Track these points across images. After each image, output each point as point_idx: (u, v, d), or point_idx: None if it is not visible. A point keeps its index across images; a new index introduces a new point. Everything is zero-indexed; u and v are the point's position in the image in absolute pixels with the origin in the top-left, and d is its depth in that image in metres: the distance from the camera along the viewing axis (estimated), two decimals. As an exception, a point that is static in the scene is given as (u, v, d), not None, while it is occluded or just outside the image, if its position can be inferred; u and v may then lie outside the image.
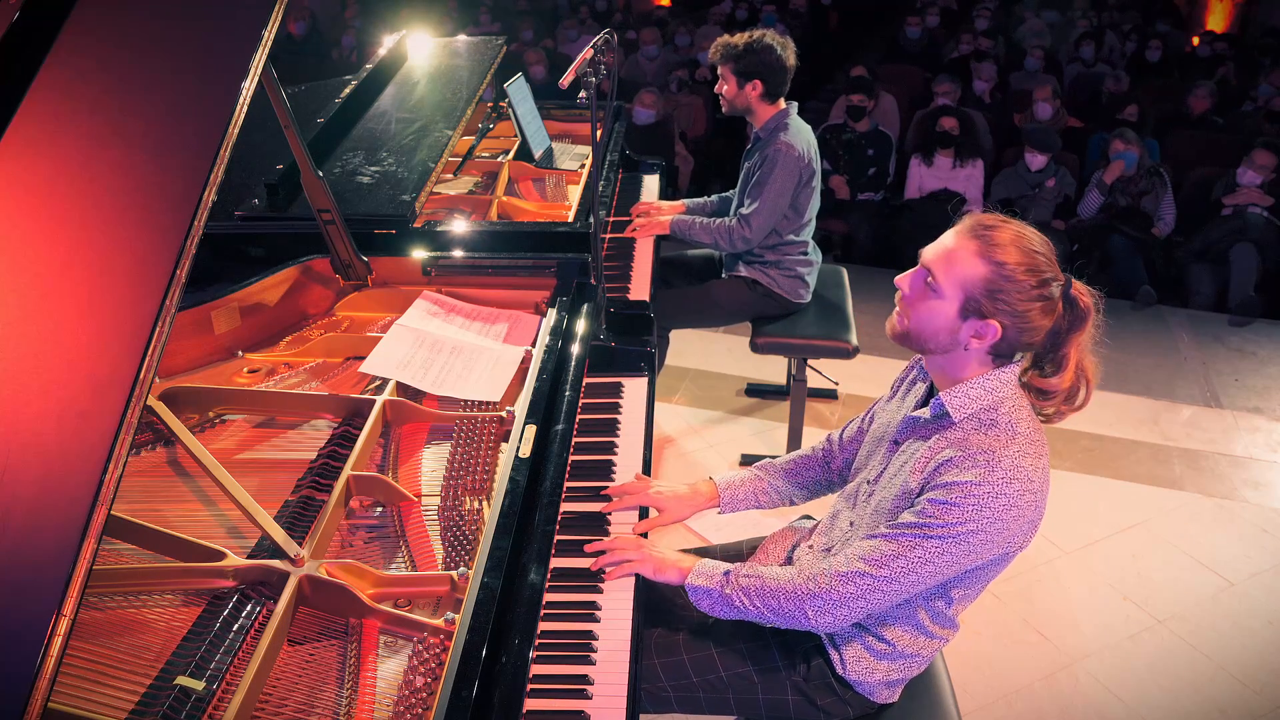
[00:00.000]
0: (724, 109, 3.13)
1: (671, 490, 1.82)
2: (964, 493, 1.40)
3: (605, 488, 1.84)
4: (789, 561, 1.82)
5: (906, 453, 1.55)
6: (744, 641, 1.67)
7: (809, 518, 1.94)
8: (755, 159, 3.08)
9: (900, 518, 1.48)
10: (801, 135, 3.05)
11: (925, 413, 1.52)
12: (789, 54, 2.99)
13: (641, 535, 1.74)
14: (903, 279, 1.50)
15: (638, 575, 1.63)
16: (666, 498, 1.81)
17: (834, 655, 1.63)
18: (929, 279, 1.45)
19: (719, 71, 3.06)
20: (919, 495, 1.47)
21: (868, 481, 1.64)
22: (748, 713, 1.69)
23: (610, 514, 1.78)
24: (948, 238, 1.46)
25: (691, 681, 1.66)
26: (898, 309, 1.51)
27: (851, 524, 1.65)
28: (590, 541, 1.68)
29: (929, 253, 1.47)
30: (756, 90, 3.00)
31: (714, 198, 3.41)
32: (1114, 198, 5.15)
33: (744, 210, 3.08)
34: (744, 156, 3.21)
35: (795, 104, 3.09)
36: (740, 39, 3.00)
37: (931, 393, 1.55)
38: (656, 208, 3.31)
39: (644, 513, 1.80)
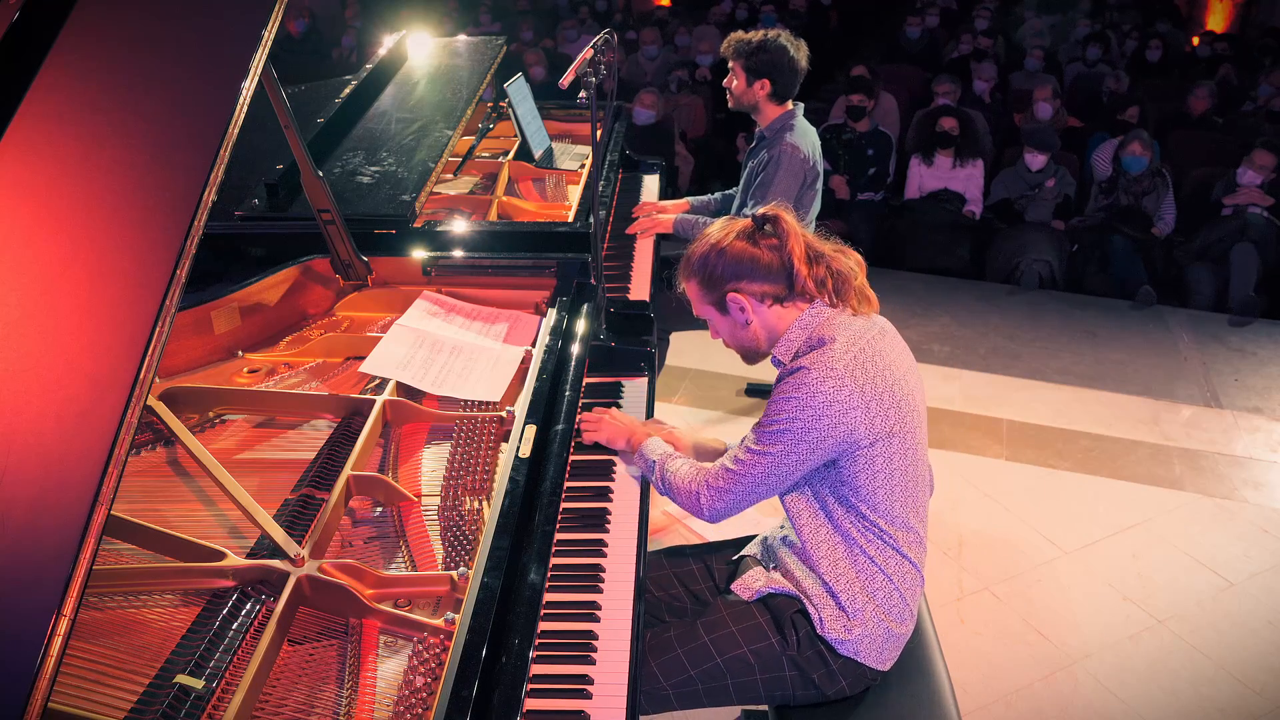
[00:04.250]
0: (730, 104, 3.13)
1: (688, 435, 2.02)
2: (779, 396, 1.63)
3: (605, 488, 1.84)
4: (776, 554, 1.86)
5: None
6: (734, 625, 1.70)
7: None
8: (760, 159, 3.08)
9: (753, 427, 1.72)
10: (807, 137, 3.05)
11: (776, 370, 1.75)
12: (801, 56, 3.00)
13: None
14: (710, 333, 1.85)
15: (638, 576, 1.64)
16: (681, 437, 1.99)
17: (813, 614, 1.67)
18: (707, 321, 1.81)
19: (729, 66, 3.06)
20: None
21: None
22: (748, 697, 1.71)
23: (610, 511, 1.78)
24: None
25: (689, 675, 1.67)
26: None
27: None
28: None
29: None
30: (765, 89, 3.01)
31: (717, 195, 3.41)
32: (1117, 197, 5.15)
33: (747, 211, 3.08)
34: (748, 155, 3.20)
35: (801, 105, 3.10)
36: (755, 36, 3.00)
37: None
38: (660, 207, 3.31)
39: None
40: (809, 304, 1.71)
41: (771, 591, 1.73)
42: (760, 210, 1.72)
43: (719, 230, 1.74)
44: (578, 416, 1.94)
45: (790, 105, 3.07)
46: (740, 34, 3.05)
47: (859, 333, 1.65)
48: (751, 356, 1.81)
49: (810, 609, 1.68)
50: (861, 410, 1.58)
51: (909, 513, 1.67)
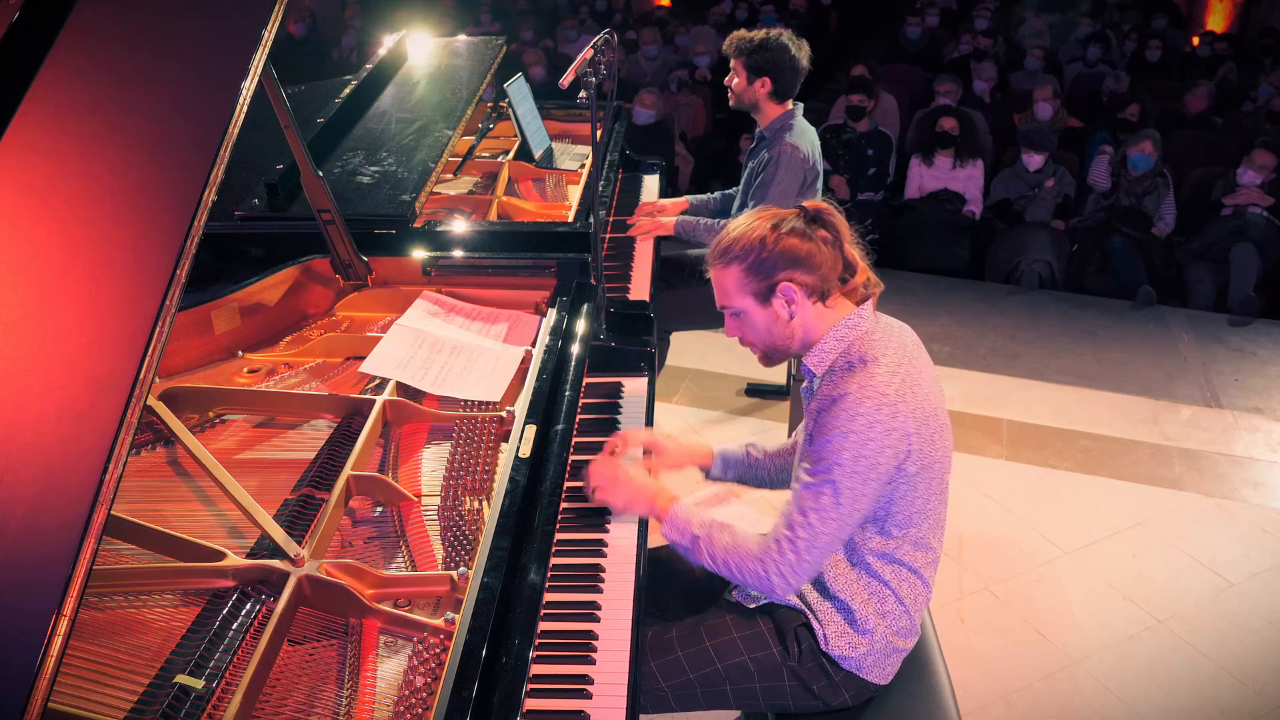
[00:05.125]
0: (731, 102, 3.13)
1: (672, 439, 1.93)
2: (827, 428, 1.53)
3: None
4: None
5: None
6: (736, 631, 1.69)
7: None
8: (759, 159, 3.08)
9: (797, 473, 1.59)
10: (806, 136, 3.06)
11: (805, 380, 1.68)
12: (802, 56, 3.00)
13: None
14: (728, 331, 1.71)
15: (638, 576, 1.64)
16: (667, 445, 1.90)
17: (818, 630, 1.66)
18: (733, 313, 1.66)
19: (731, 64, 3.07)
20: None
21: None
22: (747, 704, 1.70)
23: (610, 511, 1.78)
24: (712, 280, 1.67)
25: (689, 679, 1.67)
26: (750, 349, 1.72)
27: None
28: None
29: (716, 298, 1.68)
30: (765, 87, 3.01)
31: (717, 194, 3.41)
32: (1117, 197, 5.15)
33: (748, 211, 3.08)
34: (748, 155, 3.21)
35: (801, 105, 3.10)
36: (757, 34, 3.01)
37: None
38: (660, 207, 3.31)
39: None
40: (853, 306, 1.63)
41: (775, 601, 1.70)
42: (806, 204, 1.63)
43: (766, 218, 1.61)
44: (584, 471, 1.76)
45: (790, 105, 3.07)
46: (742, 32, 3.06)
47: (899, 353, 1.58)
48: (776, 356, 1.70)
49: (815, 624, 1.66)
50: (916, 438, 1.53)
51: (930, 534, 1.64)
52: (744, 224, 1.63)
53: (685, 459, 1.92)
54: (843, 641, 1.64)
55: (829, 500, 1.52)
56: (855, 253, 1.64)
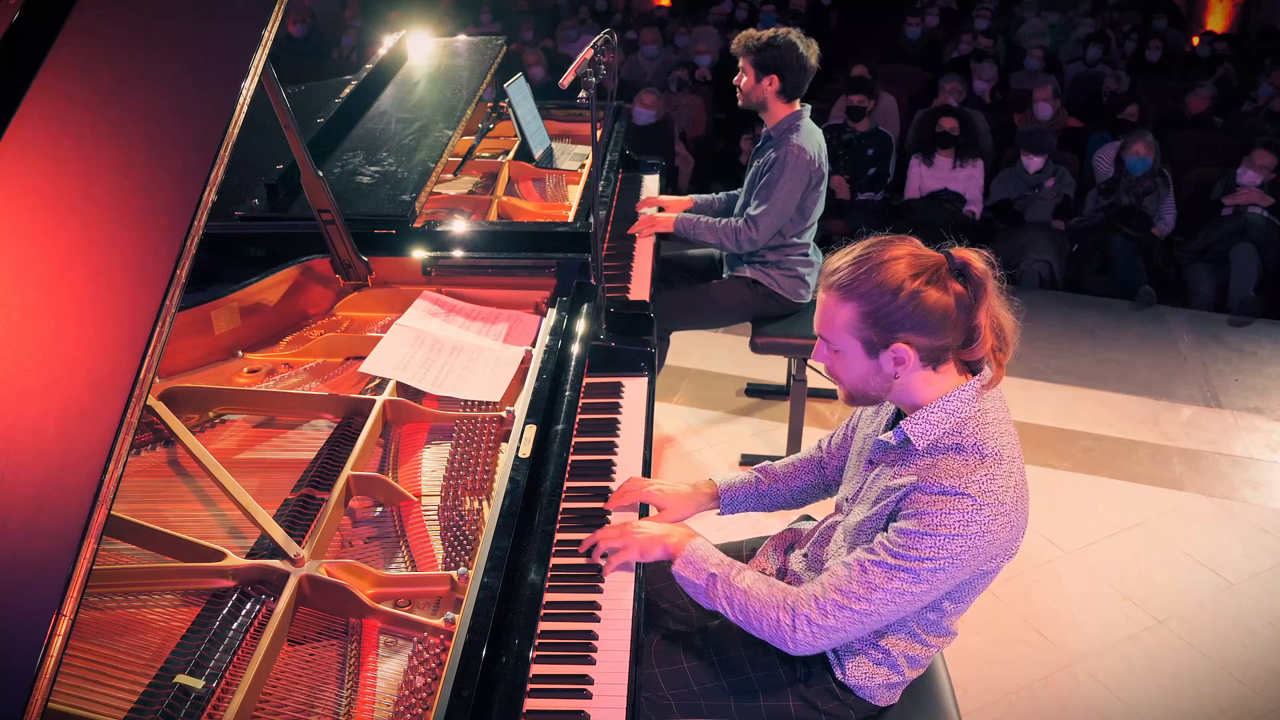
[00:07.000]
0: (740, 101, 3.13)
1: (672, 488, 1.83)
2: (936, 522, 1.40)
3: (605, 488, 1.84)
4: (785, 565, 1.82)
5: (878, 473, 1.56)
6: (745, 649, 1.66)
7: (809, 518, 1.94)
8: (765, 158, 3.08)
9: (874, 546, 1.46)
10: (813, 138, 3.05)
11: (891, 438, 1.52)
12: (811, 55, 3.00)
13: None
14: (816, 355, 1.54)
15: (637, 574, 1.63)
16: (667, 495, 1.81)
17: (833, 660, 1.63)
18: (831, 347, 1.50)
19: (740, 63, 3.07)
20: (889, 521, 1.48)
21: (847, 499, 1.67)
22: (751, 717, 1.69)
23: (611, 512, 1.78)
24: (819, 298, 1.51)
25: (692, 690, 1.65)
26: (835, 383, 1.55)
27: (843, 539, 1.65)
28: (591, 522, 1.70)
29: (815, 321, 1.52)
30: (773, 85, 3.01)
31: (722, 195, 3.41)
32: (1117, 197, 5.16)
33: (751, 211, 3.07)
34: (752, 155, 3.21)
35: (809, 106, 3.10)
36: (765, 33, 3.01)
37: (900, 415, 1.56)
38: (662, 204, 3.31)
39: (644, 511, 1.81)
40: (965, 377, 1.48)
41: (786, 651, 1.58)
42: (956, 252, 1.45)
43: (907, 260, 1.41)
44: (589, 538, 1.66)
45: (798, 105, 3.07)
46: (752, 31, 3.06)
47: (1014, 445, 1.46)
48: (861, 400, 1.54)
49: (830, 656, 1.63)
50: (1013, 543, 1.47)
51: (975, 595, 1.59)
52: (877, 256, 1.43)
53: (689, 507, 1.83)
54: (860, 672, 1.61)
55: (902, 586, 1.42)
56: (988, 322, 1.44)
